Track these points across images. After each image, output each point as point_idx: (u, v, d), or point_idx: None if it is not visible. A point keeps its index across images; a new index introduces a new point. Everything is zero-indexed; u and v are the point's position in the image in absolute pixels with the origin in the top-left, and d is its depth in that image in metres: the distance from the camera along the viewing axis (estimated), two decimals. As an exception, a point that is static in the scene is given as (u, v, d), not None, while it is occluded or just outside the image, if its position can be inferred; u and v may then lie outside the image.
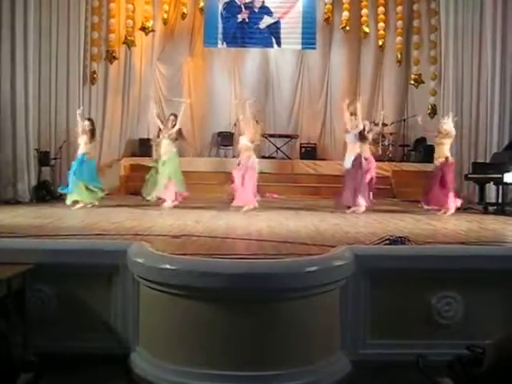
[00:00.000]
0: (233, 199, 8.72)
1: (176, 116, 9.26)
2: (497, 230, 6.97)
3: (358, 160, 8.75)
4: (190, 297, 4.15)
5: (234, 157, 13.00)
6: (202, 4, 13.49)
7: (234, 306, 4.12)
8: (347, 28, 13.32)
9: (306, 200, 10.64)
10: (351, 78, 14.17)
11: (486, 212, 8.96)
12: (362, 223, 7.28)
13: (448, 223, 7.47)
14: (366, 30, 13.38)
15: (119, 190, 11.94)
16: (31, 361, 3.63)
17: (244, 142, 8.79)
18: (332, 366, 4.30)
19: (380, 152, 12.92)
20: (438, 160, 8.71)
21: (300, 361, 4.14)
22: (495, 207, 9.13)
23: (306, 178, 12.59)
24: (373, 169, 9.00)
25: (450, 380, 2.77)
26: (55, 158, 10.48)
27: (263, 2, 13.88)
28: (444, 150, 8.69)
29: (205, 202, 9.72)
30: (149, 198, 9.32)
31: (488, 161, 10.09)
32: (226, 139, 13.70)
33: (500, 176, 8.88)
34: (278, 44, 14.01)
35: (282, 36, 13.90)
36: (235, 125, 13.02)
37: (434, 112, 12.56)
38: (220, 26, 13.87)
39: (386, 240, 5.29)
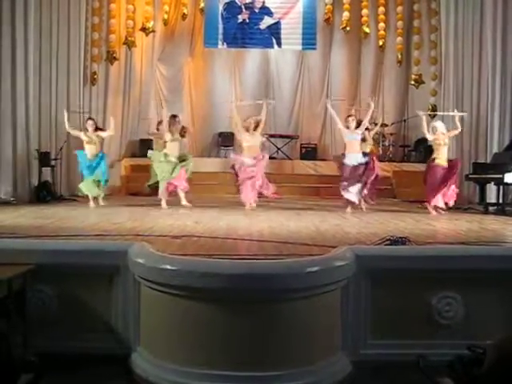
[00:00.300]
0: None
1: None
2: (497, 230, 6.96)
3: (369, 158, 8.96)
4: (190, 297, 4.15)
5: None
6: (202, 4, 13.51)
7: (235, 306, 4.12)
8: (347, 28, 13.34)
9: (306, 200, 10.65)
10: (351, 78, 14.19)
11: (486, 212, 8.95)
12: (362, 224, 7.27)
13: (448, 223, 7.47)
14: (367, 30, 13.40)
15: (120, 190, 11.96)
16: (32, 361, 3.63)
17: (260, 139, 9.05)
18: (333, 367, 4.30)
19: (380, 152, 12.95)
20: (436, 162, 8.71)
21: (300, 361, 4.14)
22: (495, 207, 9.13)
23: (307, 178, 12.60)
24: (378, 167, 9.21)
25: (451, 380, 2.77)
26: (56, 159, 10.49)
27: (263, 3, 13.90)
28: (441, 152, 8.67)
29: (206, 202, 9.74)
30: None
31: (488, 161, 10.09)
32: (226, 139, 13.71)
33: (500, 176, 8.87)
34: (279, 44, 14.02)
35: (282, 36, 13.92)
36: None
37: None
38: (220, 26, 13.88)
39: (387, 240, 5.29)
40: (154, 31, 13.03)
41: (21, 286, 4.34)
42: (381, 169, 11.60)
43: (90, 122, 9.38)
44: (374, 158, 9.62)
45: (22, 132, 9.68)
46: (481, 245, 5.52)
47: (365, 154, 8.96)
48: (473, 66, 11.04)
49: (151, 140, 13.06)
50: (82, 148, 9.38)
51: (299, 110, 14.35)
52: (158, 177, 9.14)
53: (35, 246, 4.80)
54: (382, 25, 13.43)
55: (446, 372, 2.82)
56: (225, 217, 7.78)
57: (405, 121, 13.53)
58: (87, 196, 9.28)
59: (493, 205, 9.28)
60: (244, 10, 13.91)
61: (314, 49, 14.03)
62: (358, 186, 8.71)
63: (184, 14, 13.34)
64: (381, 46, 13.57)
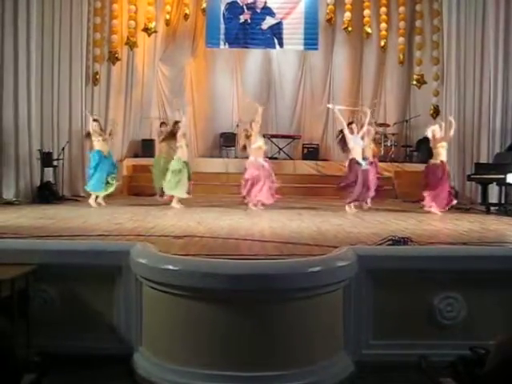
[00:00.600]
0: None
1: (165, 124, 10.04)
2: (499, 230, 6.96)
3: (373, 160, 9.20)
4: (192, 297, 4.16)
5: (236, 157, 13.05)
6: (204, 5, 13.49)
7: (237, 306, 4.13)
8: (349, 29, 13.31)
9: (308, 200, 10.64)
10: (353, 78, 14.18)
11: (488, 212, 8.95)
12: (364, 224, 7.27)
13: (450, 224, 7.46)
14: (369, 30, 13.37)
15: (122, 190, 11.95)
16: (34, 361, 3.63)
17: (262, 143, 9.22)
18: (335, 367, 4.30)
19: (382, 153, 12.94)
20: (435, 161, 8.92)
21: (303, 361, 4.14)
22: (497, 208, 9.12)
23: (309, 178, 12.59)
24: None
25: (453, 380, 2.77)
26: (58, 159, 10.49)
27: (265, 3, 13.89)
28: (440, 155, 8.87)
29: (207, 202, 9.74)
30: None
31: (491, 161, 10.08)
32: (228, 140, 13.72)
33: (503, 176, 8.87)
34: (281, 45, 14.01)
35: (284, 37, 13.90)
36: (237, 126, 13.06)
37: (436, 113, 12.57)
38: (222, 26, 13.87)
39: (389, 240, 5.30)
40: (155, 31, 13.02)
41: (23, 285, 4.36)
42: (383, 169, 11.66)
43: (94, 123, 9.57)
44: (376, 163, 9.76)
45: (24, 132, 9.68)
46: (483, 245, 5.53)
47: (365, 159, 9.11)
48: (475, 66, 11.02)
49: (153, 140, 13.12)
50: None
51: (301, 110, 14.33)
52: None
53: (37, 246, 4.82)
54: (383, 25, 13.41)
55: (448, 372, 2.83)
56: (226, 217, 7.78)
57: (407, 121, 13.52)
58: (90, 195, 9.38)
59: (495, 205, 9.26)
60: (246, 10, 13.90)
61: (316, 49, 14.01)
62: (359, 191, 8.84)
63: (186, 14, 13.34)
64: (383, 47, 13.56)
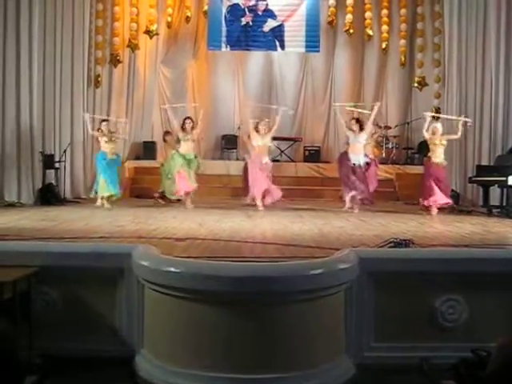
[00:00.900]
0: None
1: (190, 118, 9.86)
2: (501, 232, 6.96)
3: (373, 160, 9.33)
4: (194, 299, 4.16)
5: (237, 159, 13.06)
6: (205, 7, 13.52)
7: (238, 308, 4.13)
8: (351, 31, 13.33)
9: (310, 203, 10.65)
10: (355, 80, 14.18)
11: (490, 215, 8.95)
12: (366, 226, 7.27)
13: (452, 226, 7.46)
14: (370, 32, 13.38)
15: (123, 192, 11.96)
16: (36, 363, 3.64)
17: (269, 142, 9.56)
18: (336, 369, 4.30)
19: (384, 155, 12.94)
20: (432, 160, 9.03)
21: (304, 364, 4.14)
22: (499, 210, 9.12)
23: (310, 180, 12.59)
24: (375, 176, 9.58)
25: (455, 383, 2.77)
26: (60, 161, 10.51)
27: (267, 6, 13.89)
28: (436, 152, 8.99)
29: (209, 204, 9.75)
30: (173, 197, 9.86)
31: (492, 163, 10.07)
32: (229, 142, 13.73)
33: (504, 179, 8.86)
34: (282, 47, 14.01)
35: (285, 39, 13.90)
36: (239, 128, 13.07)
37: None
38: (224, 29, 13.88)
39: (391, 243, 5.29)
40: (157, 34, 13.04)
41: (25, 288, 4.36)
42: (384, 171, 11.67)
43: (104, 123, 9.74)
44: (376, 164, 9.76)
45: (26, 134, 9.69)
46: (484, 247, 5.52)
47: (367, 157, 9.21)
48: (476, 69, 11.02)
49: (154, 142, 13.15)
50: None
51: (303, 112, 14.33)
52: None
53: (40, 249, 4.82)
54: (385, 27, 13.41)
55: (450, 375, 2.83)
56: (228, 219, 7.78)
57: (408, 123, 13.52)
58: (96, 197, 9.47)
59: (496, 207, 9.26)
60: (247, 12, 13.92)
61: (318, 51, 14.02)
62: (354, 191, 9.01)
63: (187, 16, 13.37)
64: (384, 49, 13.56)
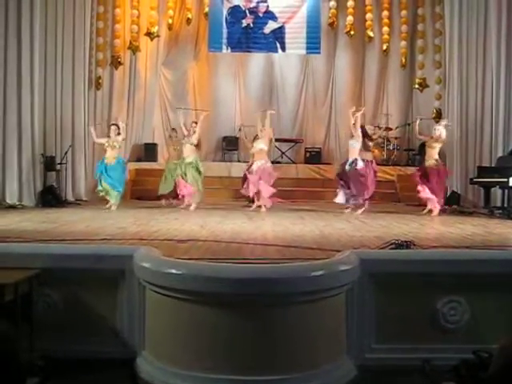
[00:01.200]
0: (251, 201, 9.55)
1: (196, 123, 9.90)
2: (502, 234, 6.95)
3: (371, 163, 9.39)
4: (195, 301, 4.16)
5: (238, 161, 13.07)
6: (206, 9, 13.54)
7: (240, 310, 4.12)
8: (352, 32, 13.34)
9: (310, 204, 10.65)
10: (356, 82, 14.19)
11: (491, 216, 8.94)
12: (367, 227, 7.27)
13: (453, 227, 7.46)
14: (371, 34, 13.40)
15: (125, 194, 11.96)
16: (38, 365, 3.64)
17: (261, 146, 9.55)
18: (337, 371, 4.29)
19: (385, 156, 12.94)
20: (428, 162, 9.29)
21: (305, 365, 4.14)
22: (501, 211, 9.11)
23: (311, 182, 12.60)
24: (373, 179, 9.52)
25: (456, 384, 2.77)
26: (61, 163, 10.52)
27: (268, 7, 13.91)
28: (433, 154, 9.22)
29: (210, 206, 9.75)
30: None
31: (493, 165, 10.07)
32: (230, 144, 13.74)
33: (505, 180, 8.87)
34: (283, 49, 14.03)
35: (286, 41, 13.93)
36: (240, 130, 13.08)
37: (439, 116, 12.55)
38: (225, 30, 13.90)
39: (392, 244, 5.29)
40: (158, 36, 13.06)
41: (27, 289, 4.36)
42: (385, 173, 11.67)
43: (113, 127, 9.75)
44: (373, 166, 9.67)
45: (28, 137, 9.70)
46: (486, 249, 5.52)
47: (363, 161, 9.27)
48: (477, 70, 11.02)
49: (156, 144, 13.16)
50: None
51: (303, 114, 14.34)
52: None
53: (41, 250, 4.82)
54: (386, 29, 13.43)
55: (452, 376, 2.82)
56: (229, 221, 7.79)
57: (409, 124, 13.51)
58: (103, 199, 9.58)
59: (498, 208, 9.26)
60: (248, 14, 13.94)
61: (318, 53, 14.03)
62: (347, 191, 9.16)
63: (188, 18, 13.39)
64: (385, 50, 13.58)
